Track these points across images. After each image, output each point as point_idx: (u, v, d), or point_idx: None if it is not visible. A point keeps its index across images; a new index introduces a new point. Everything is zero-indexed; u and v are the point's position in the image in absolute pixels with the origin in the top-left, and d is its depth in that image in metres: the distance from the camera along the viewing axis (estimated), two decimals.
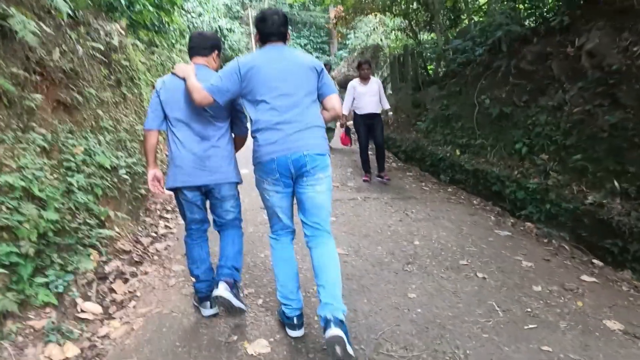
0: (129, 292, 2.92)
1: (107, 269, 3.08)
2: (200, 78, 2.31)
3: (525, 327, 2.37)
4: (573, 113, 4.43)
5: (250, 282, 3.02)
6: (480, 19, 7.70)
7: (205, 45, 2.54)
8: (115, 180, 3.84)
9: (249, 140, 2.53)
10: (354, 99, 5.88)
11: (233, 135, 2.64)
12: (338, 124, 7.11)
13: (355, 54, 14.88)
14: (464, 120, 6.38)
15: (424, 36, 9.65)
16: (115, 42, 4.91)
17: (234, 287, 2.46)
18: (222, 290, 2.39)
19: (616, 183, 3.80)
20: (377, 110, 5.88)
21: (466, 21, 8.38)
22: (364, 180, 6.12)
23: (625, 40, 4.11)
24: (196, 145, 2.42)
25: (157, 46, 8.32)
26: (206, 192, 2.52)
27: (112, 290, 2.89)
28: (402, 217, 4.35)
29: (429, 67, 8.55)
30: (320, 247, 2.24)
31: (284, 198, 2.31)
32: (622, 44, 4.12)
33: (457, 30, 8.36)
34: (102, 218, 3.35)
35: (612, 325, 2.40)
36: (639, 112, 3.79)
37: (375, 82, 5.90)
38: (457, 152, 6.19)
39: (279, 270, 2.37)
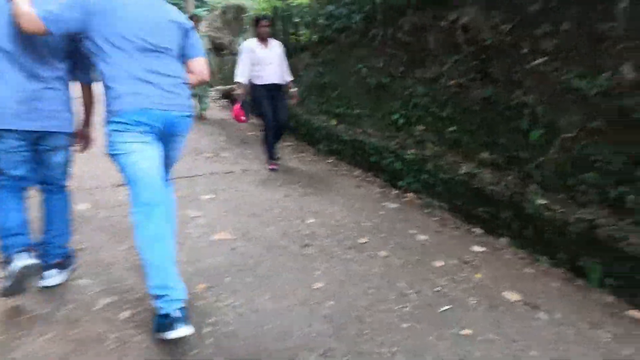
0: None
1: None
2: (37, 5, 1.83)
3: (440, 310, 2.22)
4: (448, 86, 4.55)
5: (108, 287, 2.27)
6: None
7: None
8: None
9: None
10: (252, 64, 4.63)
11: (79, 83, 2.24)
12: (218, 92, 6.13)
13: (216, 13, 13.63)
14: (340, 89, 6.20)
15: None
16: None
17: (65, 266, 2.28)
18: (57, 278, 2.22)
19: (487, 154, 4.00)
20: (281, 80, 4.83)
21: None
22: (271, 170, 4.78)
23: (495, 17, 4.31)
24: (23, 84, 1.96)
25: None
26: (34, 141, 2.06)
27: None
28: (288, 191, 3.94)
29: (301, 33, 8.16)
30: None
31: (154, 149, 1.93)
32: (493, 21, 4.31)
33: None
34: None
35: (511, 296, 2.42)
36: (508, 86, 4.02)
37: (277, 45, 4.87)
38: (334, 122, 6.01)
39: (153, 252, 1.84)
